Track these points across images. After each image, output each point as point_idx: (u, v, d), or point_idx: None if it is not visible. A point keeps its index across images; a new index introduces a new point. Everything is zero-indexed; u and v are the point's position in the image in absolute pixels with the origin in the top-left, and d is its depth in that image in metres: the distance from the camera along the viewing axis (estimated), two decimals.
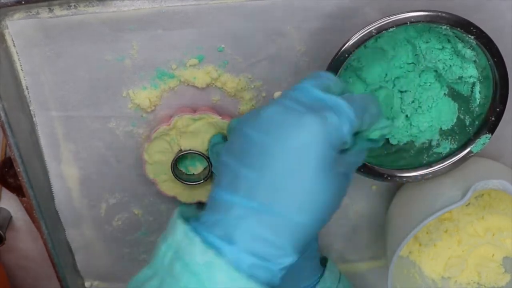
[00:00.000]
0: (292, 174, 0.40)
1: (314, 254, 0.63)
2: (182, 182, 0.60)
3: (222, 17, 0.55)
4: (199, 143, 0.59)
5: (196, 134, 0.58)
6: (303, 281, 0.62)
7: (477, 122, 0.57)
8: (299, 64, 0.58)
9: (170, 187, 0.61)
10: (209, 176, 0.60)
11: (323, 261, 0.66)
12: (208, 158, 0.59)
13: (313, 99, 0.43)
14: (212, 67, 0.58)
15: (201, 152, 0.59)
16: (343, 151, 0.45)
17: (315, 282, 0.63)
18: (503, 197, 0.64)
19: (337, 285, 0.64)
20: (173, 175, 0.59)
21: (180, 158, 0.59)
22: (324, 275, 0.63)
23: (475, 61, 0.55)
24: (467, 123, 0.58)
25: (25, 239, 0.71)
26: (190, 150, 0.59)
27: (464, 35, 0.52)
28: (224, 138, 0.58)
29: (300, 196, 0.41)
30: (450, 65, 0.56)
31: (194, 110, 0.59)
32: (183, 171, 0.61)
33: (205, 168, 0.61)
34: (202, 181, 0.60)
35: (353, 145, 0.46)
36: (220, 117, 0.58)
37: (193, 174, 0.61)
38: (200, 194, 0.62)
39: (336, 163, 0.42)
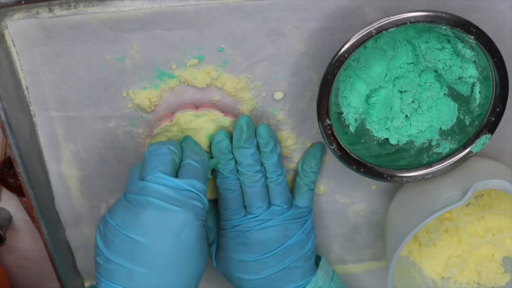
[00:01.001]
0: (177, 261, 0.49)
1: (309, 255, 0.63)
2: None
3: (222, 17, 0.55)
4: (201, 139, 0.59)
5: (198, 131, 0.58)
6: (295, 281, 0.63)
7: (477, 122, 0.57)
8: (299, 64, 0.58)
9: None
10: (210, 172, 0.60)
11: (317, 260, 0.66)
12: (210, 155, 0.59)
13: (175, 190, 0.49)
14: (212, 67, 0.58)
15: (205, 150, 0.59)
16: None
17: (307, 283, 0.63)
18: (503, 197, 0.64)
19: (329, 284, 0.64)
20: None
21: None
22: (317, 274, 0.63)
23: (475, 61, 0.55)
24: (467, 123, 0.58)
25: (25, 239, 0.71)
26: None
27: (464, 35, 0.52)
28: (228, 136, 0.58)
29: (189, 280, 0.50)
30: (450, 65, 0.56)
31: (196, 107, 0.59)
32: None
33: None
34: None
35: None
36: (223, 114, 0.58)
37: None
38: None
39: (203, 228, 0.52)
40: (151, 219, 0.49)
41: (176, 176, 0.51)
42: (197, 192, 0.51)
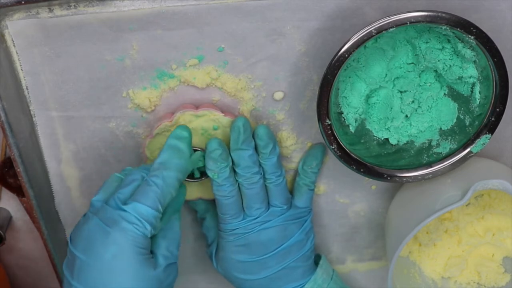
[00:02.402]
0: (111, 282, 0.49)
1: (309, 255, 0.63)
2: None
3: (222, 17, 0.55)
4: (201, 139, 0.59)
5: (198, 131, 0.58)
6: (295, 281, 0.63)
7: (477, 122, 0.57)
8: (299, 64, 0.58)
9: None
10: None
11: (317, 259, 0.66)
12: None
13: (113, 213, 0.50)
14: (212, 67, 0.58)
15: (202, 149, 0.59)
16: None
17: (307, 282, 0.63)
18: (503, 197, 0.64)
19: (329, 283, 0.64)
20: None
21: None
22: (316, 274, 0.63)
23: (475, 61, 0.55)
24: (467, 123, 0.58)
25: (25, 239, 0.71)
26: (191, 146, 0.59)
27: (464, 35, 0.52)
28: (220, 144, 0.57)
29: None
30: (450, 65, 0.56)
31: (196, 107, 0.59)
32: None
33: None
34: (203, 178, 0.60)
35: (164, 219, 0.54)
36: (223, 114, 0.58)
37: (191, 175, 0.61)
38: (200, 191, 0.62)
39: (148, 258, 0.51)
40: (88, 235, 0.51)
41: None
42: (137, 217, 0.50)
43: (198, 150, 0.59)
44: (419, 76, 0.58)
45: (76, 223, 0.64)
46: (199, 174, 0.60)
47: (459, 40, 0.54)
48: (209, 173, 0.58)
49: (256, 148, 0.58)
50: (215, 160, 0.57)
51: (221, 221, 0.61)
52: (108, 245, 0.49)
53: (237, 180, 0.59)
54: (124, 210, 0.50)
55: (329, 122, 0.55)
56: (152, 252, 0.52)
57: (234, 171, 0.59)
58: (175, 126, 0.58)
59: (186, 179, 0.60)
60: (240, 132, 0.57)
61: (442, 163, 0.59)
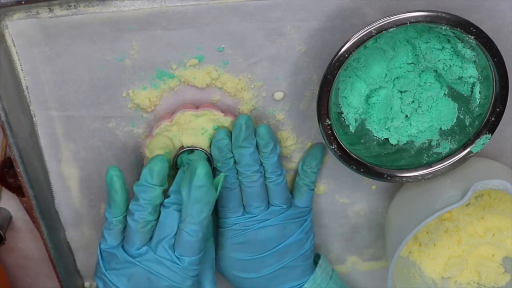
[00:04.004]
0: None
1: (308, 255, 0.63)
2: None
3: (222, 17, 0.55)
4: (201, 139, 0.59)
5: (198, 131, 0.58)
6: (294, 280, 0.63)
7: (477, 122, 0.57)
8: (299, 64, 0.58)
9: (170, 183, 0.61)
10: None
11: (316, 259, 0.66)
12: (210, 154, 0.59)
13: (172, 265, 0.54)
14: (212, 67, 0.58)
15: (202, 149, 0.59)
16: None
17: (305, 281, 0.63)
18: (503, 197, 0.64)
19: (328, 283, 0.64)
20: (174, 171, 0.59)
21: (181, 155, 0.59)
22: (315, 273, 0.63)
23: (475, 61, 0.55)
24: (467, 123, 0.58)
25: (25, 239, 0.71)
26: (191, 146, 0.59)
27: (464, 35, 0.52)
28: (228, 134, 0.58)
29: None
30: (450, 65, 0.56)
31: (196, 107, 0.59)
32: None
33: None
34: None
35: None
36: (223, 114, 0.58)
37: None
38: None
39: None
40: (140, 279, 0.55)
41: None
42: (193, 268, 0.55)
43: (198, 150, 0.59)
44: (419, 76, 0.58)
45: (76, 223, 0.65)
46: None
47: (459, 40, 0.54)
48: (214, 163, 0.58)
49: (257, 147, 0.58)
50: (220, 149, 0.58)
51: (220, 215, 0.61)
52: None
53: (238, 178, 0.59)
54: (184, 267, 0.54)
55: (329, 122, 0.55)
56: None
57: (236, 169, 0.59)
58: (175, 126, 0.58)
59: None
60: (242, 129, 0.57)
61: (442, 163, 0.59)
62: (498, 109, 0.55)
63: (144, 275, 0.54)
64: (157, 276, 0.54)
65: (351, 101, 0.58)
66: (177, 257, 0.54)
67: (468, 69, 0.55)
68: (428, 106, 0.59)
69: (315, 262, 0.65)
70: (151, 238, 0.55)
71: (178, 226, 0.54)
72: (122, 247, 0.55)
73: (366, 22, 0.52)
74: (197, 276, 0.56)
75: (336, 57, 0.51)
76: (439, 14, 0.51)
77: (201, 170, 0.52)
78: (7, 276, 0.74)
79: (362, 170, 0.58)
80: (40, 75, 0.57)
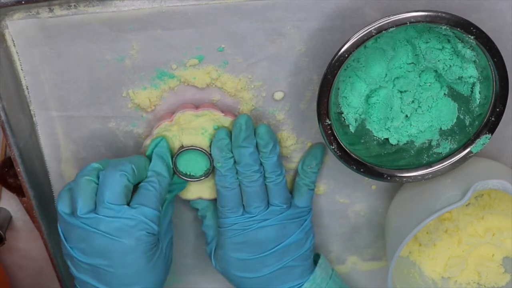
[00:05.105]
0: (129, 282, 0.55)
1: (308, 255, 0.63)
2: (183, 179, 0.60)
3: (222, 17, 0.55)
4: (201, 139, 0.59)
5: (198, 131, 0.58)
6: (294, 280, 0.63)
7: (477, 122, 0.57)
8: (299, 64, 0.58)
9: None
10: (210, 172, 0.60)
11: (316, 258, 0.66)
12: (210, 154, 0.59)
13: (122, 221, 0.53)
14: (212, 67, 0.58)
15: (202, 149, 0.59)
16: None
17: (305, 281, 0.63)
18: (503, 197, 0.64)
19: (327, 283, 0.64)
20: (174, 171, 0.59)
21: (181, 154, 0.59)
22: (315, 273, 0.63)
23: (475, 61, 0.55)
24: (467, 123, 0.58)
25: (25, 239, 0.71)
26: (191, 146, 0.59)
27: (464, 35, 0.52)
28: (228, 134, 0.58)
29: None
30: (450, 65, 0.56)
31: (196, 107, 0.59)
32: (183, 172, 0.61)
33: (206, 165, 0.61)
34: (203, 177, 0.60)
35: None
36: (223, 114, 0.58)
37: (192, 175, 0.61)
38: (200, 190, 0.62)
39: (157, 245, 0.57)
40: (100, 247, 0.54)
41: (130, 199, 0.55)
42: (144, 220, 0.54)
43: (198, 150, 0.59)
44: (419, 76, 0.58)
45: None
46: (201, 173, 0.60)
47: (459, 40, 0.54)
48: (214, 162, 0.59)
49: (257, 147, 0.58)
50: (221, 149, 0.58)
51: (220, 215, 0.61)
52: (127, 253, 0.54)
53: (238, 178, 0.59)
54: (130, 218, 0.54)
55: (329, 122, 0.55)
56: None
57: (236, 169, 0.59)
58: (175, 126, 0.58)
59: (186, 178, 0.60)
60: (242, 129, 0.57)
61: (442, 163, 0.59)
62: (498, 109, 0.55)
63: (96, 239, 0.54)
64: (107, 237, 0.54)
65: (351, 101, 0.58)
66: (133, 208, 0.54)
67: (468, 69, 0.55)
68: (428, 106, 0.59)
69: (315, 262, 0.65)
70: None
71: (138, 186, 0.56)
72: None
73: (366, 22, 0.52)
74: (156, 239, 0.56)
75: (336, 57, 0.51)
76: (439, 14, 0.51)
77: (163, 139, 0.59)
78: (7, 276, 0.74)
79: (362, 170, 0.58)
80: (40, 75, 0.57)
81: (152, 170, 0.57)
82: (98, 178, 0.55)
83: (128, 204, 0.54)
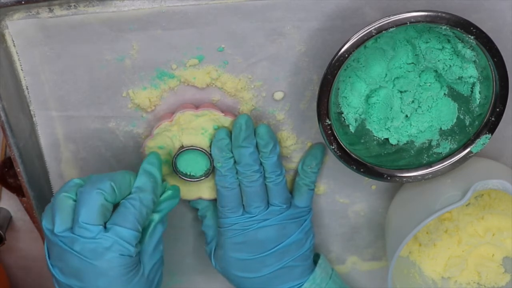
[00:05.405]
0: None
1: (308, 255, 0.63)
2: (183, 179, 0.60)
3: (222, 17, 0.55)
4: (201, 139, 0.59)
5: (198, 131, 0.58)
6: (293, 280, 0.63)
7: (477, 122, 0.57)
8: (299, 64, 0.58)
9: (170, 183, 0.61)
10: (210, 172, 0.60)
11: (316, 258, 0.66)
12: (210, 154, 0.59)
13: (96, 242, 0.50)
14: (212, 67, 0.58)
15: (202, 149, 0.59)
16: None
17: (305, 281, 0.63)
18: (503, 197, 0.64)
19: (327, 282, 0.64)
20: (174, 171, 0.59)
21: (181, 154, 0.59)
22: (315, 273, 0.63)
23: (475, 61, 0.55)
24: (467, 123, 0.58)
25: (25, 239, 0.71)
26: (191, 146, 0.59)
27: (464, 35, 0.52)
28: (228, 134, 0.58)
29: None
30: (450, 65, 0.56)
31: (196, 107, 0.59)
32: (183, 172, 0.61)
33: (206, 165, 0.61)
34: (203, 177, 0.60)
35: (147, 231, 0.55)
36: (223, 114, 0.58)
37: (192, 175, 0.61)
38: (200, 190, 0.62)
39: (136, 267, 0.53)
40: (74, 267, 0.51)
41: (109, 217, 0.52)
42: (119, 241, 0.51)
43: (198, 150, 0.59)
44: (419, 76, 0.58)
45: None
46: (201, 173, 0.60)
47: (459, 40, 0.54)
48: (214, 162, 0.59)
49: (257, 147, 0.58)
50: (221, 149, 0.58)
51: (220, 215, 0.61)
52: (99, 276, 0.51)
53: (238, 178, 0.59)
54: (104, 238, 0.50)
55: (329, 122, 0.55)
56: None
57: (236, 169, 0.59)
58: (175, 126, 0.58)
59: (186, 179, 0.60)
60: (242, 129, 0.57)
61: (442, 163, 0.59)
62: (498, 109, 0.55)
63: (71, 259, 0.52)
64: (79, 258, 0.51)
65: (351, 101, 0.58)
66: (108, 228, 0.51)
67: (468, 69, 0.55)
68: (428, 106, 0.59)
69: (315, 262, 0.65)
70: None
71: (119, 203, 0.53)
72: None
73: (366, 22, 0.52)
74: (134, 261, 0.52)
75: (336, 57, 0.51)
76: (439, 14, 0.51)
77: (153, 154, 0.57)
78: (7, 276, 0.74)
79: (362, 170, 0.58)
80: (40, 75, 0.57)
81: (135, 186, 0.54)
82: (76, 195, 0.52)
83: (105, 224, 0.52)
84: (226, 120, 0.58)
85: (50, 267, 0.53)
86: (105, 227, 0.51)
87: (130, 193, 0.54)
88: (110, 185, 0.52)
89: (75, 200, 0.52)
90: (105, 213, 0.52)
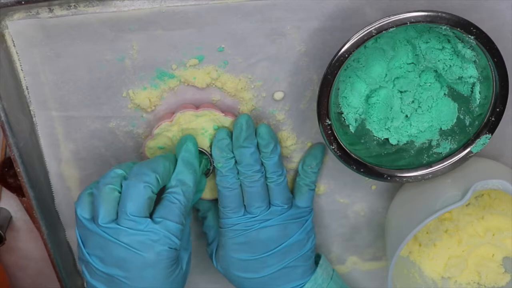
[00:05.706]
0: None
1: (309, 255, 0.63)
2: None
3: (222, 17, 0.55)
4: (201, 139, 0.59)
5: (198, 131, 0.58)
6: (295, 280, 0.63)
7: (477, 122, 0.57)
8: (299, 64, 0.58)
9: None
10: (210, 172, 0.60)
11: (317, 259, 0.66)
12: (210, 154, 0.59)
13: (144, 234, 0.52)
14: (212, 67, 0.58)
15: (203, 149, 0.59)
16: None
17: (307, 281, 0.63)
18: (503, 197, 0.64)
19: (328, 283, 0.64)
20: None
21: None
22: (316, 273, 0.63)
23: (475, 61, 0.55)
24: (467, 123, 0.58)
25: (25, 239, 0.71)
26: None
27: (464, 35, 0.52)
28: (229, 134, 0.58)
29: None
30: (450, 65, 0.56)
31: (196, 107, 0.59)
32: None
33: (206, 165, 0.61)
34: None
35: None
36: (223, 114, 0.58)
37: None
38: None
39: (177, 262, 0.55)
40: (119, 258, 0.52)
41: (153, 209, 0.53)
42: (168, 235, 0.52)
43: (199, 150, 0.59)
44: (419, 76, 0.58)
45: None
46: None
47: (459, 40, 0.54)
48: (215, 163, 0.59)
49: (257, 147, 0.58)
50: (221, 149, 0.58)
51: (221, 216, 0.61)
52: (146, 267, 0.52)
53: (239, 178, 0.59)
54: (153, 232, 0.52)
55: (329, 122, 0.55)
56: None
57: (237, 170, 0.59)
58: (175, 126, 0.58)
59: None
60: (243, 129, 0.57)
61: (442, 163, 0.59)
62: (498, 109, 0.55)
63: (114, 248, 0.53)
64: (127, 248, 0.52)
65: (351, 101, 0.58)
66: (156, 222, 0.52)
67: (468, 69, 0.55)
68: (428, 106, 0.59)
69: (316, 263, 0.65)
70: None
71: (161, 196, 0.54)
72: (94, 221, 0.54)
73: (366, 22, 0.52)
74: (177, 254, 0.54)
75: (336, 57, 0.51)
76: (439, 14, 0.51)
77: (190, 141, 0.57)
78: (7, 276, 0.74)
79: (362, 170, 0.58)
80: (40, 75, 0.57)
81: (176, 178, 0.55)
82: (121, 186, 0.53)
83: (150, 215, 0.53)
84: (226, 120, 0.58)
85: (87, 256, 0.53)
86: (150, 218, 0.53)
87: (171, 185, 0.55)
88: (156, 177, 0.53)
89: (119, 192, 0.53)
90: (150, 205, 0.53)
